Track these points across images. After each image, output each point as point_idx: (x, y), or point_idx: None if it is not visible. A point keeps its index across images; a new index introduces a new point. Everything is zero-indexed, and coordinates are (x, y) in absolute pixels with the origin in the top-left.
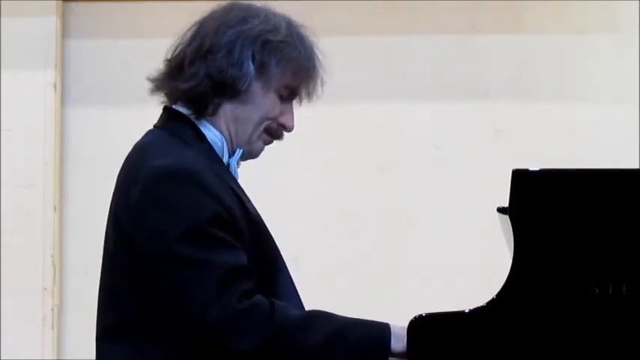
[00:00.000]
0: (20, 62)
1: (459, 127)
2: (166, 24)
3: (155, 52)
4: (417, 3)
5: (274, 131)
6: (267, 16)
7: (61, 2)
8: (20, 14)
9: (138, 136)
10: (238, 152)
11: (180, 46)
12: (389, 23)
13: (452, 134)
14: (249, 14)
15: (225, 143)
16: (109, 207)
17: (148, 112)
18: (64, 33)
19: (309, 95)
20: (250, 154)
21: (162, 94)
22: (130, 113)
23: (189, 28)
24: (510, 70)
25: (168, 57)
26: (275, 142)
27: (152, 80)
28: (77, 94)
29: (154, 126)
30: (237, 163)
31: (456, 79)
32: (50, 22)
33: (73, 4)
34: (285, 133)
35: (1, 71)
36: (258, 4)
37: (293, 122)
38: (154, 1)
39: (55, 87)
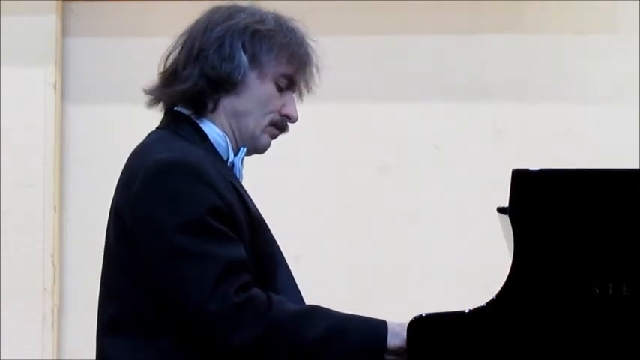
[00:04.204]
0: (20, 61)
1: (459, 127)
2: (166, 23)
3: (155, 50)
4: (417, 3)
5: (279, 124)
6: (252, 10)
7: (60, 1)
8: (20, 13)
9: (138, 135)
10: (242, 151)
11: (172, 55)
12: (389, 23)
13: (452, 134)
14: (235, 11)
15: (229, 142)
16: (110, 203)
17: (148, 111)
18: (64, 32)
19: (307, 84)
20: (256, 149)
21: (161, 103)
22: (130, 112)
23: (179, 37)
24: (510, 70)
25: (162, 68)
26: (277, 141)
27: (148, 92)
28: (77, 93)
29: (157, 127)
30: (242, 162)
31: (456, 79)
32: (50, 21)
33: (72, 3)
34: (290, 125)
35: (1, 70)
36: (246, 3)
37: (296, 112)
38: (153, 0)
39: (54, 86)
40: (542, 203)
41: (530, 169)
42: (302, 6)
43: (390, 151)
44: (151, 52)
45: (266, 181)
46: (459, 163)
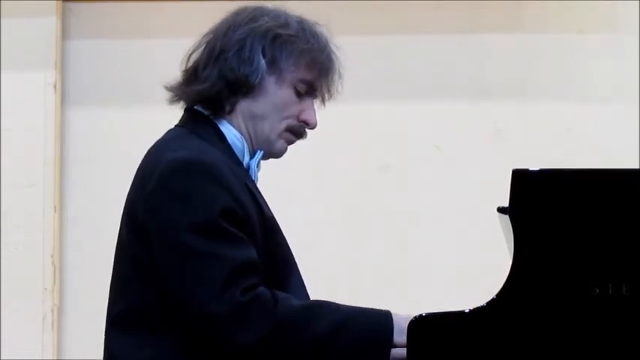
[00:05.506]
0: (20, 62)
1: (459, 127)
2: (166, 24)
3: (155, 51)
4: (417, 3)
5: (296, 130)
6: (277, 13)
7: (60, 2)
8: (20, 14)
9: (138, 135)
10: (258, 154)
11: (194, 54)
12: (389, 23)
13: (452, 134)
14: (259, 13)
15: (245, 144)
16: (125, 200)
17: (148, 111)
18: (64, 33)
19: (329, 91)
20: (271, 153)
21: (181, 101)
22: (129, 113)
23: (204, 36)
24: (510, 70)
25: (183, 67)
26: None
27: (169, 89)
28: (77, 95)
29: (176, 125)
30: (258, 166)
31: (456, 79)
32: (50, 23)
33: (72, 5)
34: (308, 130)
35: (1, 71)
36: (268, 5)
37: (315, 118)
38: (153, 1)
39: (55, 87)
40: (542, 203)
41: (530, 169)
42: (302, 6)
43: (390, 151)
44: (150, 54)
45: (266, 181)
46: (459, 163)
